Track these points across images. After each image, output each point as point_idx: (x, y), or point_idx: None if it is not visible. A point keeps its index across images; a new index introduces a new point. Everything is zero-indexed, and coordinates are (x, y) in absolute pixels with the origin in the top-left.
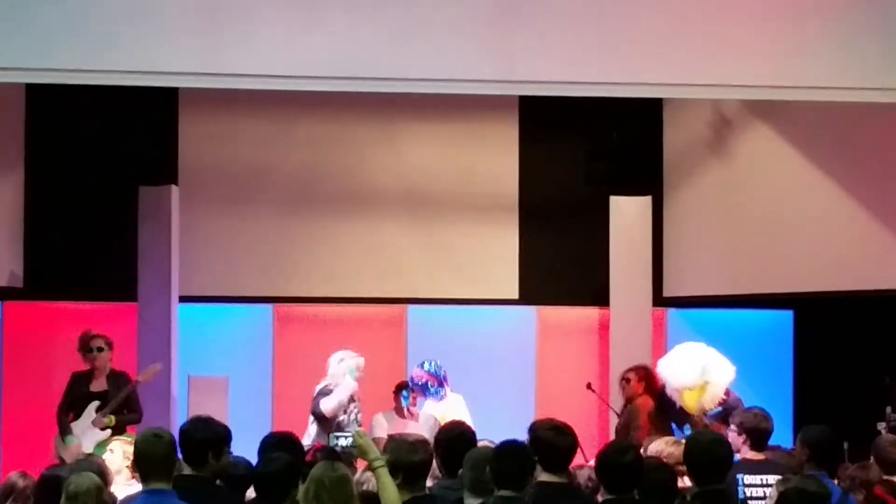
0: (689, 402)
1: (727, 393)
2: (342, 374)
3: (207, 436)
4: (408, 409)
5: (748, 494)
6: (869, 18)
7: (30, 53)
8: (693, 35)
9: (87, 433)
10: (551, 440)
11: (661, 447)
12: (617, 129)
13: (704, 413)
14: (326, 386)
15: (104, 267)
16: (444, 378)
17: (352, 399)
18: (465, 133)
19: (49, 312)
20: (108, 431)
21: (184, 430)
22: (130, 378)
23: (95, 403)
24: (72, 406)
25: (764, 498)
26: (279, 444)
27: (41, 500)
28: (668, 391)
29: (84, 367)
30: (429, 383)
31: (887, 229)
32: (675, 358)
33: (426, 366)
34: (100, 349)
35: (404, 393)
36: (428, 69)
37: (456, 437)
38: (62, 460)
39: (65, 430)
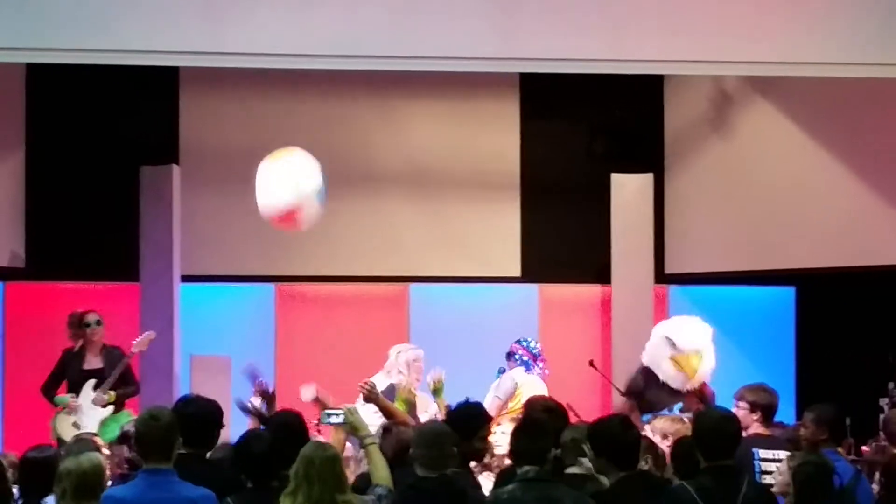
0: (690, 365)
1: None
2: (399, 367)
3: (201, 414)
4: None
5: (762, 469)
6: None
7: (30, 33)
8: (694, 11)
9: (87, 412)
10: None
11: (664, 424)
12: (618, 107)
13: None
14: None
15: (105, 247)
16: (538, 356)
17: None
18: (466, 111)
19: (50, 293)
20: (111, 408)
21: (183, 412)
22: (124, 352)
23: (92, 382)
24: (60, 383)
25: (767, 473)
26: (287, 423)
27: (24, 480)
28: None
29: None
30: (524, 356)
31: (889, 205)
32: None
33: (522, 342)
34: (98, 322)
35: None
36: (429, 47)
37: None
38: (60, 441)
39: (52, 397)
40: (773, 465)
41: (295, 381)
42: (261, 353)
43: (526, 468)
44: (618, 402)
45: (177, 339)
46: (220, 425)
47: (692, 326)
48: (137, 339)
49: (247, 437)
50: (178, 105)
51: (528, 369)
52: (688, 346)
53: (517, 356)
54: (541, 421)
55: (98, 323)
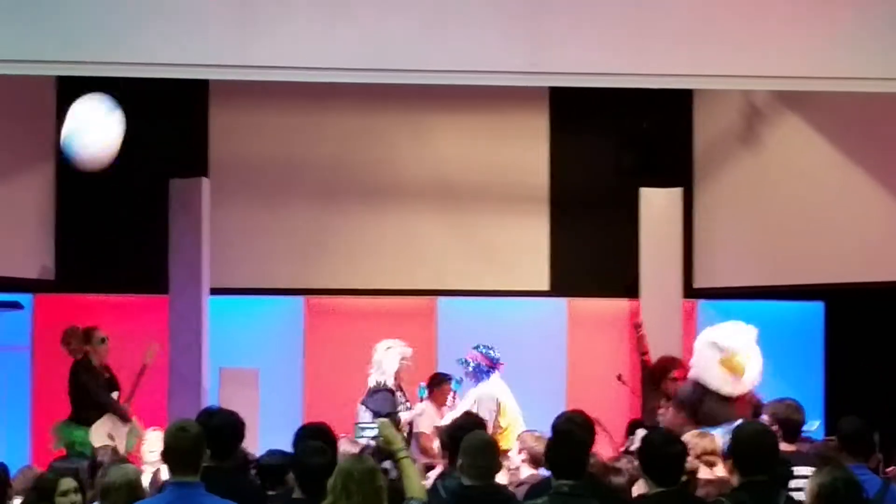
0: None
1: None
2: (389, 362)
3: (226, 426)
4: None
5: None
6: None
7: (60, 46)
8: (724, 25)
9: (117, 423)
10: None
11: (686, 438)
12: (647, 120)
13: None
14: (384, 383)
15: (135, 259)
16: (497, 361)
17: (400, 388)
18: (494, 124)
19: (80, 305)
20: (135, 419)
21: (206, 424)
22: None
23: (117, 393)
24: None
25: (797, 490)
26: (314, 436)
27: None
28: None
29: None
30: (481, 365)
31: None
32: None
33: (481, 349)
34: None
35: (455, 381)
36: (457, 61)
37: (461, 429)
38: (78, 455)
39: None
40: (796, 482)
41: (323, 394)
42: (289, 365)
43: (562, 482)
44: (669, 417)
45: (205, 351)
46: (242, 437)
47: (735, 328)
48: (146, 353)
49: (306, 450)
50: (207, 118)
51: (486, 377)
52: (733, 345)
53: (476, 365)
54: (576, 433)
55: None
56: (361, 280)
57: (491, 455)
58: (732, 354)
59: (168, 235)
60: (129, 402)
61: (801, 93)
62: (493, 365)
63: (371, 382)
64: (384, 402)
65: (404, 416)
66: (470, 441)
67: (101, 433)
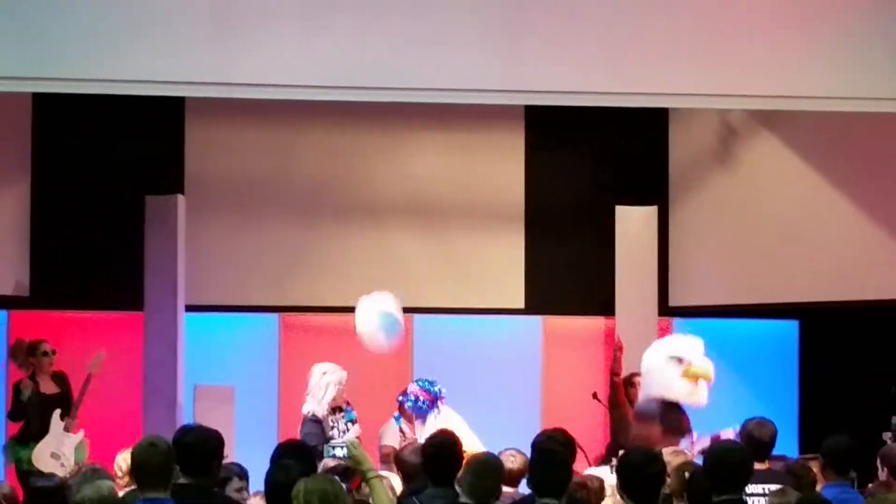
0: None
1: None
2: (324, 389)
3: (209, 445)
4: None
5: None
6: (877, 28)
7: (37, 63)
8: (700, 45)
9: (63, 440)
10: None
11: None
12: (623, 139)
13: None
14: (313, 413)
15: (110, 276)
16: (439, 395)
17: (338, 409)
18: (471, 142)
19: (55, 322)
20: (83, 432)
21: (182, 441)
22: (66, 375)
23: (58, 411)
24: (25, 414)
25: None
26: (292, 454)
27: None
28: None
29: (20, 375)
30: (422, 399)
31: (893, 239)
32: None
33: (420, 382)
34: (53, 352)
35: (395, 416)
36: (434, 79)
37: (442, 446)
38: (24, 473)
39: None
40: (764, 500)
41: (298, 412)
42: (264, 383)
43: (545, 500)
44: (639, 433)
45: (180, 368)
46: (221, 455)
47: (679, 338)
48: (91, 361)
49: (276, 468)
50: (183, 135)
51: (430, 412)
52: (687, 354)
53: (415, 400)
54: (559, 452)
55: (53, 352)
56: (336, 297)
57: (497, 478)
58: (689, 364)
59: (143, 252)
60: (75, 412)
61: (777, 112)
62: (433, 399)
63: (304, 410)
64: (310, 435)
65: (340, 452)
66: (479, 461)
67: (45, 454)
